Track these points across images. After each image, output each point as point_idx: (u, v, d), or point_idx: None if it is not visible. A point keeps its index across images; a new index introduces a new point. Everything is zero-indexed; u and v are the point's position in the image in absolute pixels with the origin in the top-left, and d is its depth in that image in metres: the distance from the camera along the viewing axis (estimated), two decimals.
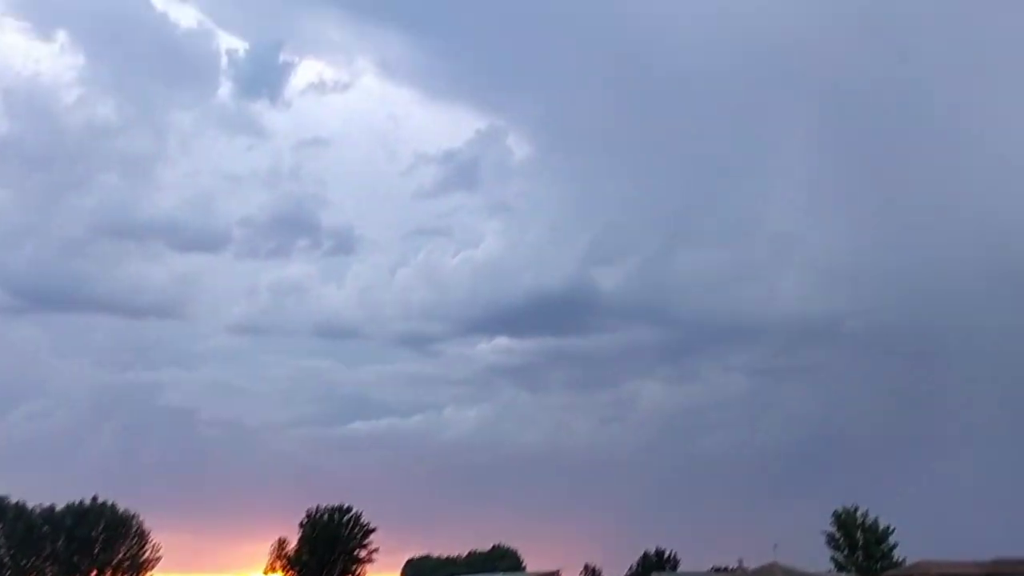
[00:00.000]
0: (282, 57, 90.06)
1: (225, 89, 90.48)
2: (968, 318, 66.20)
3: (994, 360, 63.63)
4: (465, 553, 71.85)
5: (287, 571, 56.45)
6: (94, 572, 52.69)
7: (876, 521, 51.53)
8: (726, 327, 76.32)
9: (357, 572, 56.85)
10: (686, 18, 75.18)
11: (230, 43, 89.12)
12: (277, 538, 57.96)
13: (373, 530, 56.76)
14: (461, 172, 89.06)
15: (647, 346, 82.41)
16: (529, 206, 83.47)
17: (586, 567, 69.86)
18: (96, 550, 52.40)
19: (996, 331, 64.80)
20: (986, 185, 64.57)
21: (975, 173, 64.53)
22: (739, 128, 77.94)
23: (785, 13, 72.03)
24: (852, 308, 73.41)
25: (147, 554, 53.90)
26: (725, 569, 59.93)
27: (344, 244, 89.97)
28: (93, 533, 52.38)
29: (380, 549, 58.41)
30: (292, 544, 56.42)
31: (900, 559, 50.21)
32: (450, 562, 71.25)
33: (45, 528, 52.01)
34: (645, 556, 62.41)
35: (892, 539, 50.98)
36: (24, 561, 51.31)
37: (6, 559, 51.38)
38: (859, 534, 51.41)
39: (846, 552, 51.37)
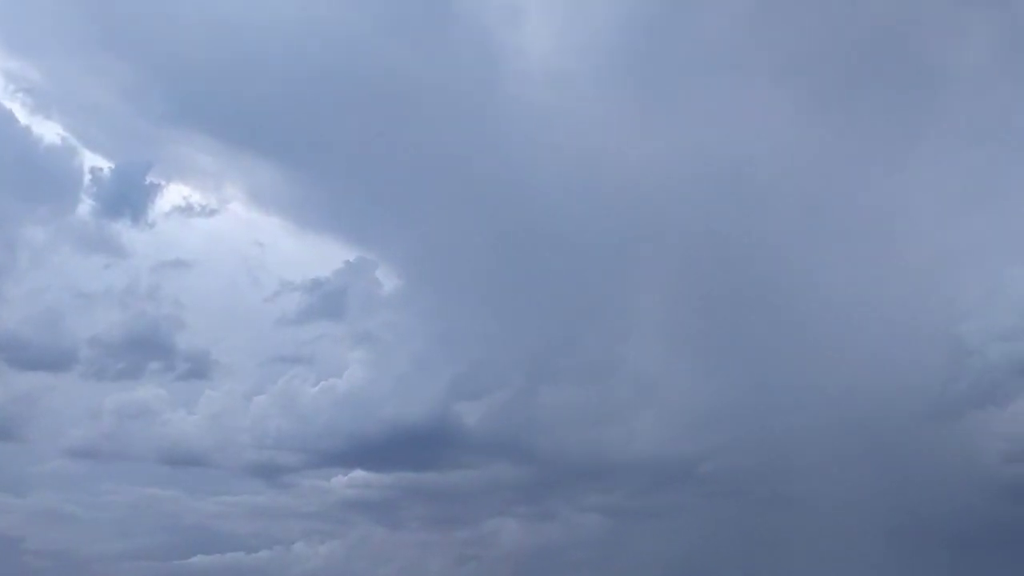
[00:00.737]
0: (149, 179, 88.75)
1: (85, 207, 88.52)
2: (816, 464, 69.82)
3: (842, 505, 67.24)
4: None
5: None
6: None
7: None
8: (585, 466, 77.36)
9: None
10: (555, 166, 79.52)
11: (95, 161, 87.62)
12: None
13: None
14: (327, 301, 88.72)
15: (507, 483, 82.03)
16: (395, 338, 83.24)
17: None
18: None
19: (843, 479, 68.49)
20: (835, 336, 69.70)
21: (825, 323, 69.77)
22: (601, 273, 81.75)
23: (651, 168, 77.40)
24: (706, 451, 76.08)
25: None
26: None
27: (199, 368, 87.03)
28: None
29: None
30: None
31: None
32: None
33: None
34: None
35: None
36: None
37: None
38: None
39: None
